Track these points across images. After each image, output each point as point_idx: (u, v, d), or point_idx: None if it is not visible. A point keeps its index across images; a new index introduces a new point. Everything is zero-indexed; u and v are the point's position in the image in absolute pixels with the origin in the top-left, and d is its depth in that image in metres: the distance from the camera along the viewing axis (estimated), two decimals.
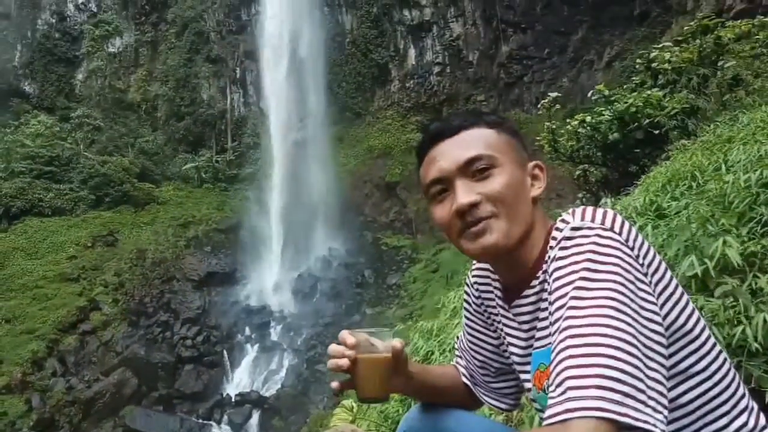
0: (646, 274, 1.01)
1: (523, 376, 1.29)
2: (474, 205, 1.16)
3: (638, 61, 7.94)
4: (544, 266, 1.15)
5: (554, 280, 1.03)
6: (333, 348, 1.27)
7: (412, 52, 40.42)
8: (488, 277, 1.38)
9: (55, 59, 44.61)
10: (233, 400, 25.38)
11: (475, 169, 1.17)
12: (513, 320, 1.28)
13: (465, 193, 1.16)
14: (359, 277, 31.82)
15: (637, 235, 1.05)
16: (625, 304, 0.93)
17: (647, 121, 6.22)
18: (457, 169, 1.18)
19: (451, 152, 1.20)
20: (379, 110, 40.60)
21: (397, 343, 1.27)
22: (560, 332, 0.95)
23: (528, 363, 1.24)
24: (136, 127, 43.18)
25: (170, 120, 43.49)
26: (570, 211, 1.11)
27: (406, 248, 33.12)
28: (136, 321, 28.15)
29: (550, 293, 1.04)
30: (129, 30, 45.57)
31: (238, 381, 26.80)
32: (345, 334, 1.26)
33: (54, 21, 45.35)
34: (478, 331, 1.45)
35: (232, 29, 43.86)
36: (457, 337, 1.58)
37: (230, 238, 34.79)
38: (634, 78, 7.96)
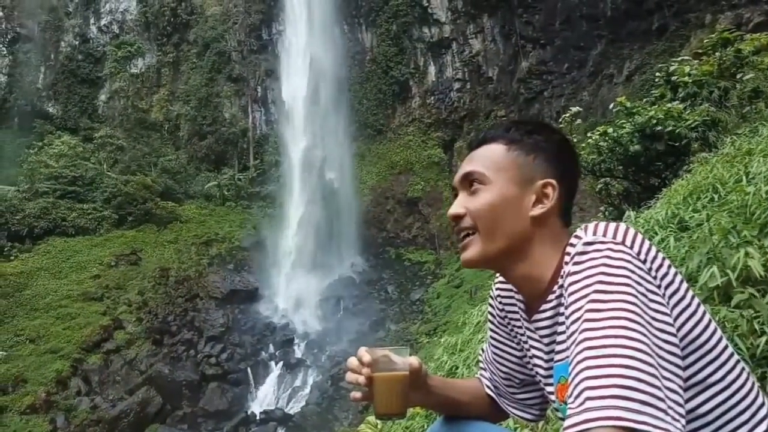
0: (659, 287, 1.03)
1: (547, 389, 1.32)
2: (458, 217, 1.25)
3: (658, 74, 7.87)
4: (560, 281, 1.17)
5: (569, 295, 1.05)
6: (351, 361, 1.31)
7: (432, 69, 40.65)
8: (511, 290, 1.40)
9: (79, 80, 45.64)
10: (258, 417, 25.32)
11: (469, 183, 1.26)
12: (534, 333, 1.31)
13: (455, 204, 1.27)
14: (383, 293, 31.77)
15: (650, 248, 1.06)
16: (638, 314, 0.95)
17: (668, 130, 6.15)
18: (459, 182, 1.29)
19: (463, 164, 1.31)
20: (400, 126, 40.80)
21: (414, 360, 1.31)
22: (576, 345, 0.97)
23: (551, 376, 1.27)
24: (159, 147, 43.93)
25: (192, 139, 44.23)
26: (583, 226, 1.14)
27: (429, 264, 33.00)
28: (159, 339, 28.38)
29: (566, 307, 1.07)
30: (151, 51, 46.54)
31: (263, 398, 26.77)
32: (362, 352, 1.30)
33: (77, 43, 46.37)
34: (502, 343, 1.48)
35: (253, 49, 44.64)
36: (482, 350, 1.60)
37: (253, 255, 35.06)
38: (653, 91, 7.89)
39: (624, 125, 7.07)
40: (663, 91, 7.37)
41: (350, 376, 1.30)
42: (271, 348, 29.36)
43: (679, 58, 7.58)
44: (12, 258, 32.61)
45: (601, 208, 8.85)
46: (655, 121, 6.26)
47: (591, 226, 1.11)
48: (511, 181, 1.24)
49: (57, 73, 45.17)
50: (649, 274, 1.02)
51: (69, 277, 31.56)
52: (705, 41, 7.43)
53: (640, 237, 1.07)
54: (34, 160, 37.37)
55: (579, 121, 8.50)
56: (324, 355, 28.23)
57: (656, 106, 6.65)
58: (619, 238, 1.05)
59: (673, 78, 7.08)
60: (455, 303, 26.24)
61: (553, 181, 1.24)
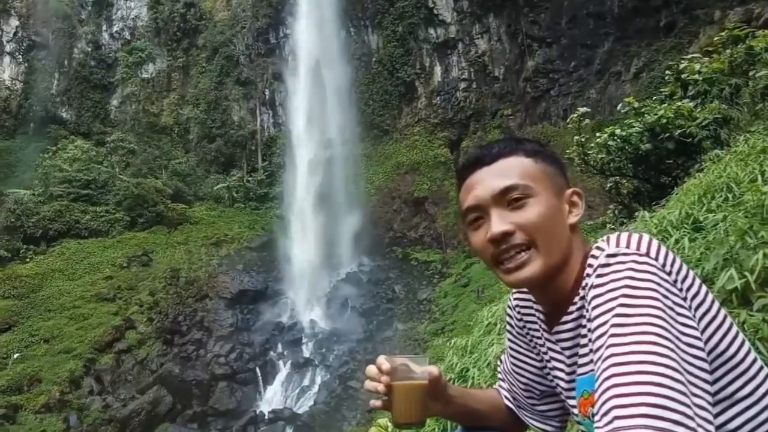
0: (685, 299, 1.01)
1: (569, 401, 1.30)
2: (508, 234, 1.16)
3: (667, 72, 7.87)
4: (581, 292, 1.15)
5: (593, 308, 1.03)
6: (370, 369, 1.29)
7: (438, 69, 40.66)
8: (529, 300, 1.38)
9: (91, 86, 46.35)
10: (267, 417, 25.39)
11: (510, 198, 1.17)
12: (555, 345, 1.29)
13: (499, 222, 1.17)
14: (390, 292, 31.80)
15: (674, 259, 1.04)
16: (665, 329, 0.93)
17: (679, 131, 6.17)
18: (492, 198, 1.19)
19: (487, 181, 1.21)
20: (407, 127, 40.84)
21: (434, 369, 1.28)
22: (603, 361, 0.94)
23: (573, 389, 1.25)
24: (169, 150, 44.33)
25: (202, 142, 44.54)
26: (605, 237, 1.12)
27: (436, 263, 33.02)
28: (170, 339, 28.57)
29: (590, 320, 1.04)
30: (161, 56, 47.06)
31: (271, 398, 26.86)
32: (381, 360, 1.26)
33: (90, 49, 47.18)
34: (521, 353, 1.45)
35: (261, 52, 44.85)
36: (500, 360, 1.58)
37: (261, 256, 35.23)
38: (663, 89, 7.89)
39: (633, 125, 7.08)
40: (673, 89, 7.36)
41: (369, 384, 1.28)
42: (280, 347, 29.45)
43: (689, 56, 7.57)
44: (27, 260, 33.13)
45: (611, 207, 8.86)
46: (665, 120, 6.29)
47: (613, 237, 1.09)
48: (550, 191, 1.20)
49: (70, 79, 45.88)
50: (674, 286, 1.00)
51: (82, 279, 31.93)
52: (715, 38, 7.40)
53: (664, 248, 1.04)
54: (49, 165, 38.03)
55: (587, 121, 8.53)
56: (332, 355, 28.30)
57: (666, 105, 6.67)
58: (643, 250, 1.03)
59: (683, 76, 7.09)
60: (462, 302, 26.24)
61: (579, 190, 1.25)
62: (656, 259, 1.02)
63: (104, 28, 48.17)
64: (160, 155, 43.14)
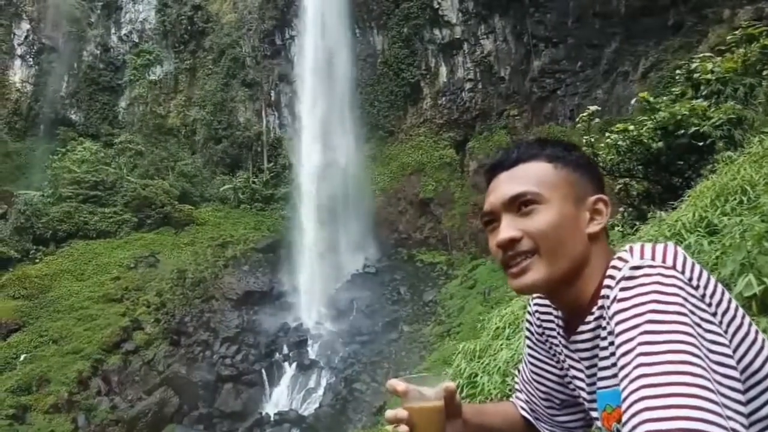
0: (714, 314, 0.97)
1: (592, 413, 1.25)
2: (515, 240, 1.15)
3: (678, 72, 7.76)
4: (600, 301, 1.12)
5: (617, 323, 0.98)
6: (389, 416, 1.20)
7: (443, 70, 40.56)
8: (549, 306, 1.36)
9: (100, 88, 46.82)
10: (272, 419, 25.42)
11: (520, 204, 1.17)
12: (573, 354, 1.26)
13: (507, 228, 1.17)
14: (395, 294, 31.74)
15: (701, 272, 1.00)
16: (695, 346, 0.89)
17: (692, 130, 6.07)
18: (503, 204, 1.19)
19: (502, 187, 1.21)
20: (412, 128, 40.76)
21: (449, 384, 1.23)
22: (631, 381, 0.90)
23: (594, 401, 1.21)
24: (176, 151, 44.53)
25: (208, 143, 44.69)
26: (627, 247, 1.08)
27: (442, 264, 32.92)
28: (177, 340, 28.65)
29: (614, 335, 1.00)
30: (169, 58, 47.34)
31: (277, 400, 26.89)
32: (394, 382, 1.21)
33: (98, 52, 47.68)
34: (541, 361, 1.42)
35: (267, 54, 44.94)
36: (518, 370, 1.53)
37: (267, 257, 35.30)
38: (674, 89, 7.77)
39: (645, 122, 6.97)
40: (684, 89, 7.25)
41: (390, 415, 1.20)
42: (285, 349, 29.44)
43: (701, 55, 7.46)
44: (37, 261, 33.42)
45: (620, 209, 8.75)
46: (679, 117, 6.19)
47: (637, 247, 1.05)
48: (566, 199, 1.17)
49: (79, 82, 46.39)
50: (702, 301, 0.96)
51: (91, 279, 32.12)
52: (728, 37, 7.28)
53: (690, 260, 1.00)
54: (58, 166, 38.50)
55: (597, 120, 8.42)
56: (337, 357, 28.25)
57: (677, 104, 6.57)
58: (669, 262, 0.99)
59: (695, 75, 6.98)
60: (468, 304, 26.13)
61: (605, 197, 1.21)
62: (683, 272, 0.98)
63: (113, 31, 48.73)
64: (167, 156, 43.34)
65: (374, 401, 23.73)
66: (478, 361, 4.68)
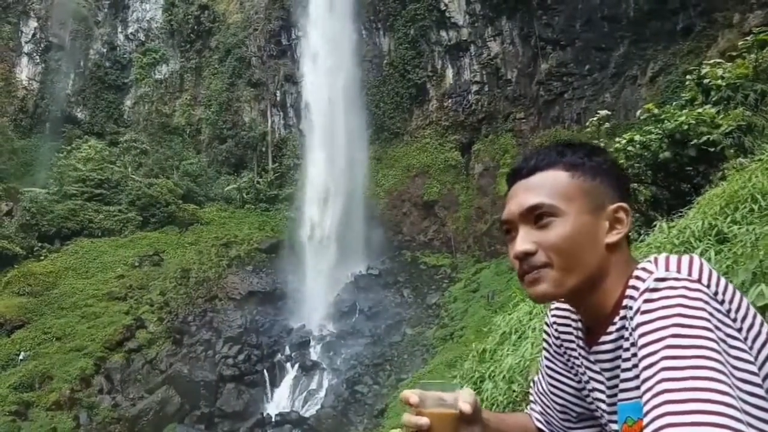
0: (740, 330, 0.95)
1: (611, 426, 1.23)
2: (529, 254, 1.14)
3: (688, 77, 7.68)
4: (622, 312, 1.11)
5: (641, 336, 0.97)
6: (411, 419, 1.17)
7: (449, 72, 40.49)
8: (568, 317, 1.34)
9: (106, 87, 46.98)
10: (273, 420, 25.40)
11: (536, 216, 1.15)
12: (594, 365, 1.23)
13: (522, 240, 1.16)
14: (398, 296, 31.68)
15: (726, 286, 0.98)
16: (720, 363, 0.87)
17: (703, 139, 5.99)
18: (520, 215, 1.17)
19: (519, 196, 1.20)
20: (417, 129, 40.71)
21: (467, 394, 1.19)
22: (654, 396, 0.88)
23: (614, 413, 1.18)
24: (181, 150, 44.64)
25: (213, 143, 44.79)
26: (651, 258, 1.06)
27: (446, 267, 32.85)
28: (179, 339, 28.69)
29: (637, 347, 0.98)
30: (175, 57, 47.52)
31: (278, 400, 26.87)
32: (408, 393, 1.16)
33: (105, 51, 47.88)
34: (558, 373, 1.40)
35: (273, 54, 44.99)
36: (533, 382, 1.51)
37: (271, 257, 35.31)
38: (683, 95, 7.70)
39: (651, 131, 6.90)
40: (694, 95, 7.17)
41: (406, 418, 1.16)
42: (287, 350, 29.44)
43: (711, 60, 7.38)
44: (42, 258, 33.55)
45: None
46: (686, 127, 6.11)
47: (661, 258, 1.04)
48: (583, 209, 1.15)
49: (85, 80, 46.60)
50: (728, 316, 0.94)
51: (95, 277, 32.24)
52: (740, 43, 7.21)
53: (715, 273, 0.98)
54: (63, 164, 38.78)
55: (607, 124, 8.34)
56: (339, 358, 28.22)
57: (686, 111, 6.50)
58: (695, 275, 0.97)
59: (705, 81, 6.90)
60: (472, 308, 26.05)
61: (625, 205, 1.17)
62: (708, 286, 0.96)
63: (120, 29, 48.87)
64: (172, 156, 43.49)
65: (376, 404, 23.69)
66: (484, 365, 4.65)
